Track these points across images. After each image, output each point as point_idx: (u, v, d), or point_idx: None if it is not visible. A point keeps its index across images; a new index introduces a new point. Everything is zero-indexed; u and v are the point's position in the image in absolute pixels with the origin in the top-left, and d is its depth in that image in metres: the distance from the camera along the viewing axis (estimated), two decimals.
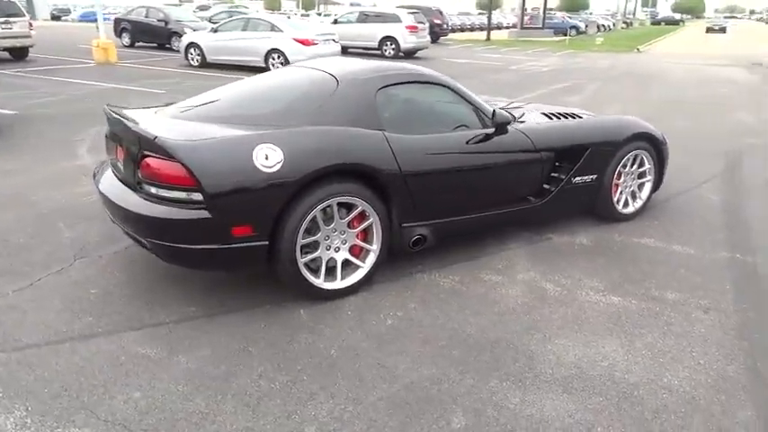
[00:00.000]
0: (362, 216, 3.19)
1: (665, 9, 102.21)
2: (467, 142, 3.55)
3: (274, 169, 2.85)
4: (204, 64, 15.10)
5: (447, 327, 2.97)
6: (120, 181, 3.24)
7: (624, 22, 56.06)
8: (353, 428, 2.24)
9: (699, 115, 9.45)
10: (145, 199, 2.93)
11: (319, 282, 3.13)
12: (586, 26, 40.78)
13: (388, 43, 19.34)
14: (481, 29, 44.64)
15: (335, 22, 21.00)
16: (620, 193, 4.38)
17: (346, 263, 3.24)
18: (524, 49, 25.35)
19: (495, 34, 33.13)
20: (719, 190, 5.36)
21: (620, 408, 2.37)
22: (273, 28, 14.46)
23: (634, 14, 69.23)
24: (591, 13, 61.42)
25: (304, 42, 14.03)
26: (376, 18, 20.07)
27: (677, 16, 77.02)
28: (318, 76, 3.49)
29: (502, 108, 4.01)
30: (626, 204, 4.44)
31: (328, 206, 3.05)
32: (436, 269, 3.60)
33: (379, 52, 19.40)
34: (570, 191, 4.04)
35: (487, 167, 3.64)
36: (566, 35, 35.46)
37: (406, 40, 19.20)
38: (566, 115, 4.44)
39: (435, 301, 3.22)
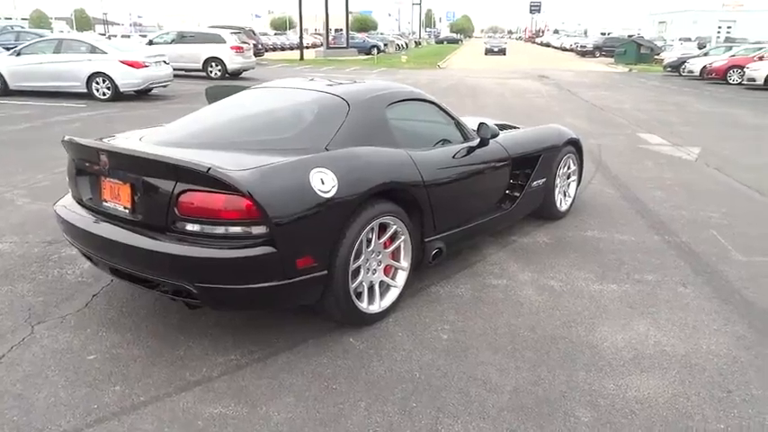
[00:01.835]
0: (394, 235, 3.16)
1: (443, 30, 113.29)
2: (465, 155, 3.70)
3: (330, 194, 2.71)
4: (6, 92, 13.08)
5: (499, 332, 3.07)
6: (125, 222, 2.79)
7: (415, 42, 60.80)
8: None
9: (539, 122, 10.71)
10: (181, 240, 2.58)
11: (365, 307, 3.03)
12: (386, 45, 43.39)
13: (214, 64, 18.67)
14: (291, 48, 45.30)
15: (151, 43, 19.64)
16: (557, 193, 4.87)
17: (380, 284, 3.17)
18: (341, 68, 26.17)
19: (306, 53, 33.61)
20: (609, 185, 6.20)
21: (693, 376, 2.69)
22: (94, 50, 13.04)
23: (420, 35, 75.39)
24: (382, 34, 65.45)
25: (133, 65, 12.91)
26: (197, 38, 19.22)
27: (457, 36, 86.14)
28: (325, 98, 3.36)
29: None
30: (560, 203, 4.94)
31: (372, 229, 2.97)
32: (442, 281, 3.67)
33: (203, 74, 18.63)
34: (530, 195, 4.40)
35: (480, 177, 3.83)
36: (368, 54, 37.46)
37: (233, 61, 18.70)
38: (505, 126, 4.82)
39: (469, 311, 3.30)
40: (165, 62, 14.10)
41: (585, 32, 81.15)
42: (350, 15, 39.31)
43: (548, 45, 65.76)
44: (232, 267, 2.51)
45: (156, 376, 2.64)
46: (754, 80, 18.09)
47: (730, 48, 23.96)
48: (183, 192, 2.54)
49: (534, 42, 72.35)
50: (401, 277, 3.25)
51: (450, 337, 3.01)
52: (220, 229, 2.54)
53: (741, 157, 7.79)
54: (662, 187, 6.11)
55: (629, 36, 48.29)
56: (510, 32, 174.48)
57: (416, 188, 3.20)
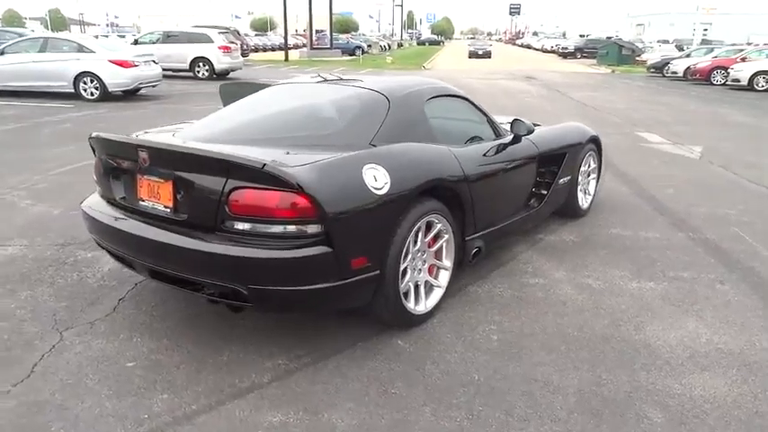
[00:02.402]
0: (438, 234, 3.07)
1: (424, 31, 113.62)
2: (502, 151, 3.63)
3: (383, 191, 2.61)
4: None
5: (548, 332, 3.00)
6: (167, 222, 2.66)
7: (398, 44, 60.82)
8: None
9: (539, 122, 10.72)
10: (231, 240, 2.46)
11: (412, 307, 2.94)
12: (369, 46, 43.31)
13: (201, 64, 18.45)
14: (273, 49, 45.04)
15: (136, 42, 19.31)
16: (579, 190, 4.83)
17: (425, 285, 3.08)
18: (328, 68, 26.01)
19: (290, 54, 33.31)
20: (621, 182, 6.19)
21: (755, 374, 2.65)
22: (82, 49, 12.73)
23: (401, 36, 75.46)
24: (364, 35, 65.39)
25: (122, 64, 12.63)
26: (183, 38, 18.93)
27: (438, 38, 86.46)
28: (364, 93, 3.26)
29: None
30: (582, 201, 4.90)
31: (419, 227, 2.88)
32: (478, 281, 3.60)
33: (191, 74, 18.37)
34: (556, 192, 4.34)
35: (515, 174, 3.77)
36: (352, 55, 37.35)
37: (221, 61, 18.49)
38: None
39: (513, 311, 3.22)
40: (154, 62, 13.84)
41: (564, 34, 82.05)
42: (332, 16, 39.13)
43: (528, 47, 66.27)
44: (288, 268, 2.40)
45: (203, 383, 2.52)
46: (738, 81, 18.37)
47: (711, 50, 24.36)
48: (235, 189, 2.42)
49: (514, 44, 72.84)
50: (444, 277, 3.16)
51: (501, 338, 2.93)
52: (274, 228, 2.42)
53: (742, 156, 7.85)
54: (673, 185, 6.12)
55: (608, 38, 48.88)
56: (489, 34, 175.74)
57: (460, 185, 3.12)
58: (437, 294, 3.11)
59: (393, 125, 3.04)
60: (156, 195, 2.71)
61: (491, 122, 3.83)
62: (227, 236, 2.48)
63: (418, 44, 74.93)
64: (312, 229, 2.41)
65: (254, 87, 5.21)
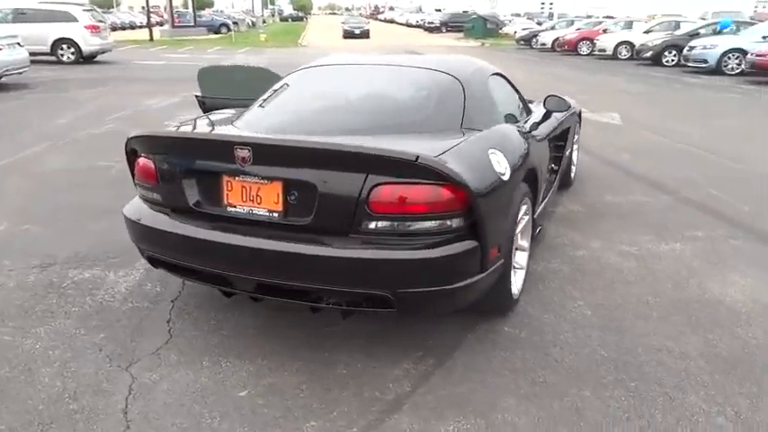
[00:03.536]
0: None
1: (286, 7, 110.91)
2: (546, 127, 3.65)
3: (507, 176, 2.52)
4: None
5: (631, 301, 3.09)
6: (274, 228, 2.35)
7: (263, 20, 58.81)
8: None
9: None
10: (369, 242, 2.23)
11: (514, 292, 2.87)
12: (236, 24, 41.44)
13: (65, 46, 16.50)
14: (124, 28, 41.57)
15: None
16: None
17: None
18: (202, 48, 24.58)
19: (146, 33, 30.77)
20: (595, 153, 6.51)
21: None
22: None
23: (262, 12, 73.04)
24: (222, 11, 62.36)
25: None
26: (41, 16, 16.68)
27: (300, 14, 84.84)
28: (434, 74, 3.08)
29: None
30: (571, 171, 5.09)
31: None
32: (545, 257, 3.61)
33: (53, 58, 16.37)
34: (564, 166, 4.46)
35: (552, 150, 3.81)
36: (217, 33, 35.51)
37: (89, 42, 16.68)
38: None
39: (583, 285, 3.28)
40: (19, 44, 12.15)
41: (420, 9, 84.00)
42: None
43: (392, 21, 67.10)
44: (438, 267, 2.24)
45: (343, 402, 2.29)
46: (604, 50, 20.09)
47: (572, 23, 26.31)
48: (376, 186, 2.19)
49: (377, 19, 73.31)
50: (524, 258, 3.13)
51: (594, 313, 2.97)
52: (417, 226, 2.23)
53: (655, 121, 8.60)
54: (623, 150, 6.55)
55: (465, 12, 50.84)
56: (348, 9, 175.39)
57: (536, 165, 3.09)
58: (521, 276, 3.08)
59: (472, 107, 2.92)
60: (256, 199, 2.38)
61: (522, 99, 3.82)
62: (362, 238, 2.24)
63: (281, 20, 73.06)
64: (455, 222, 2.26)
65: (239, 71, 4.79)
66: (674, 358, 2.57)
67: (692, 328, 2.82)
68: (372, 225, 2.23)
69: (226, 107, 4.22)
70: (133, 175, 2.84)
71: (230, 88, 4.32)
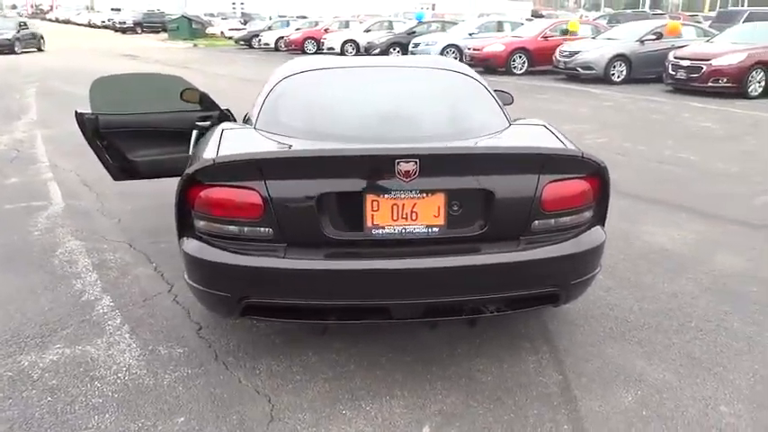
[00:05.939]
0: None
1: None
2: None
3: None
4: None
5: (715, 286, 3.34)
6: (431, 244, 2.29)
7: None
8: None
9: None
10: (537, 241, 2.35)
11: None
12: None
13: None
14: None
15: None
16: None
17: None
18: None
19: None
20: None
21: None
22: None
23: None
24: None
25: None
26: None
27: None
28: (457, 76, 3.16)
29: None
30: None
31: None
32: None
33: None
34: None
35: None
36: None
37: None
38: None
39: (651, 268, 3.56)
40: None
41: (91, 7, 75.76)
42: None
43: (68, 22, 58.47)
44: (599, 254, 2.48)
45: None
46: (333, 48, 21.43)
47: (288, 23, 27.28)
48: (547, 185, 2.29)
49: (45, 19, 62.79)
50: None
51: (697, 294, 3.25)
52: (571, 219, 2.40)
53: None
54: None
55: (158, 11, 48.09)
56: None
57: None
58: None
59: (500, 101, 3.11)
60: (411, 216, 2.24)
61: None
62: (531, 239, 2.34)
63: None
64: (589, 213, 2.48)
65: (137, 80, 4.30)
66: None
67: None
68: (541, 224, 2.34)
69: (124, 126, 3.67)
70: (185, 214, 2.33)
71: (129, 102, 3.75)
